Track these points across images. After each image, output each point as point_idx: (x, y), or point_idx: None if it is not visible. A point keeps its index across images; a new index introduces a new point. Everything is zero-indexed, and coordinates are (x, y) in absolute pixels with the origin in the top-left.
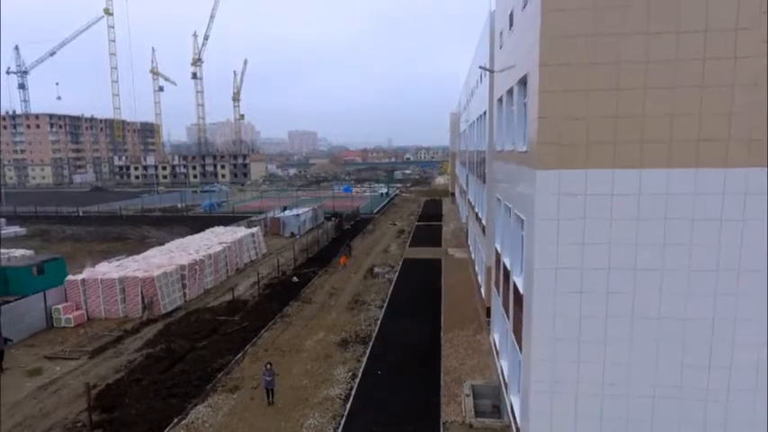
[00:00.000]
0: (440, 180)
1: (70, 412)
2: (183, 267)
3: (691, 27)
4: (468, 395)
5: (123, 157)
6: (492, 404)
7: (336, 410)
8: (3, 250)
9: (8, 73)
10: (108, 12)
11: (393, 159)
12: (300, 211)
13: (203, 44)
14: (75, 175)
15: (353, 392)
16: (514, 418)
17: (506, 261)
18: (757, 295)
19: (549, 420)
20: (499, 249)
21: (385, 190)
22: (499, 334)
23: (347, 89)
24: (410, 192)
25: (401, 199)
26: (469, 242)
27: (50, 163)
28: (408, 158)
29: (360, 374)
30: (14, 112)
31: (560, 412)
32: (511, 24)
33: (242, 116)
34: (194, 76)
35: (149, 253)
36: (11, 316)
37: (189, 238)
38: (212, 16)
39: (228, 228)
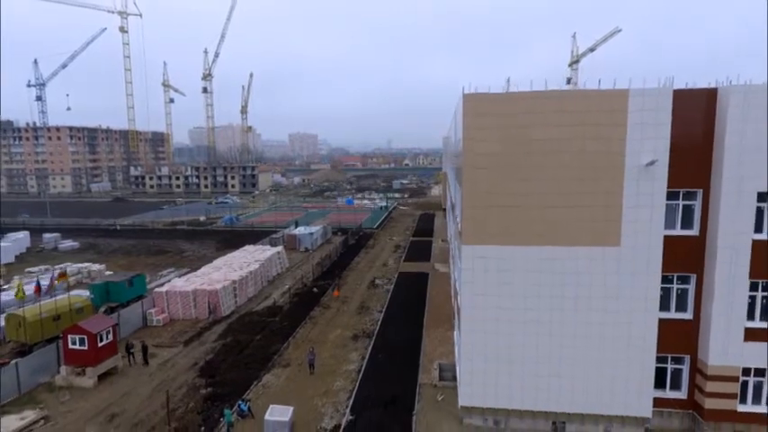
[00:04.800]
0: (435, 191)
1: (187, 378)
2: (234, 282)
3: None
4: (436, 369)
5: (138, 167)
6: (452, 375)
7: (353, 378)
8: (80, 265)
9: (28, 86)
10: (123, 29)
11: (392, 165)
12: (313, 229)
13: (213, 61)
14: (93, 184)
15: (363, 367)
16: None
17: (457, 285)
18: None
19: (471, 377)
20: (456, 275)
21: (384, 203)
22: (456, 330)
23: (347, 89)
24: (407, 204)
25: (398, 213)
26: (450, 259)
27: (70, 172)
28: (407, 164)
29: (367, 357)
30: (34, 123)
31: (476, 372)
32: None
33: (249, 128)
34: (204, 90)
35: (204, 270)
36: (123, 318)
37: (229, 255)
38: (223, 35)
39: (258, 246)
